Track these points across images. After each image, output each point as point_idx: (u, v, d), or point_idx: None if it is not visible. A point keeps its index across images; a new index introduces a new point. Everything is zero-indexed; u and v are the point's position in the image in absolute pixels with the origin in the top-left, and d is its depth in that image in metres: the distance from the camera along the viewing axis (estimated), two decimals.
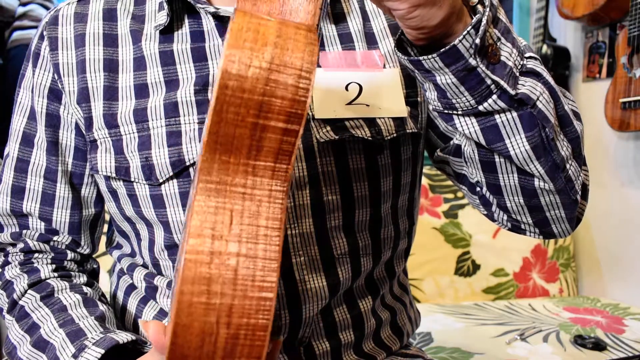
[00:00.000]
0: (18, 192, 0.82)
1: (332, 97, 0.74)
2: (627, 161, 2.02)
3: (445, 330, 1.64)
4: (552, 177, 0.66)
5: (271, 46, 0.47)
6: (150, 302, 0.82)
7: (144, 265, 0.83)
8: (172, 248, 0.77)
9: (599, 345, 1.50)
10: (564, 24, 2.29)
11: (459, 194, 2.05)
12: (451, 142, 0.78)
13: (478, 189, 0.76)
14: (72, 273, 0.83)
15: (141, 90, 0.76)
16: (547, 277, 2.07)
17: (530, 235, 0.77)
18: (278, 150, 0.49)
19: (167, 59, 0.76)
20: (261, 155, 0.49)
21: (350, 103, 0.75)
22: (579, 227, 2.13)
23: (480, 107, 0.61)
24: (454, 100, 0.61)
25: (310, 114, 0.74)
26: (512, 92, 0.60)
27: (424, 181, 2.05)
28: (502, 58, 0.59)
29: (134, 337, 0.71)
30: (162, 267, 0.80)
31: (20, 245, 0.82)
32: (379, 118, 0.75)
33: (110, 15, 0.80)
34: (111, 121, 0.76)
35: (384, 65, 0.78)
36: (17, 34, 2.43)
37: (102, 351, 0.67)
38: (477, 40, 0.56)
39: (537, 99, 0.62)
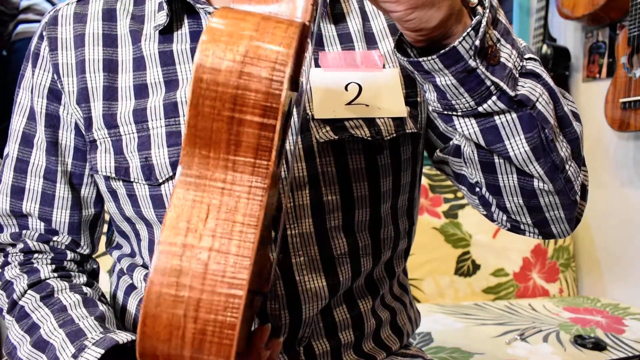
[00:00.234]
0: (18, 192, 0.82)
1: (332, 97, 0.75)
2: (627, 161, 2.02)
3: (445, 330, 1.64)
4: (551, 177, 0.66)
5: (247, 39, 0.47)
6: None
7: (144, 266, 0.83)
8: None
9: (599, 345, 1.50)
10: (564, 24, 2.29)
11: (459, 194, 2.05)
12: (451, 143, 0.78)
13: (477, 189, 0.76)
14: (72, 273, 0.83)
15: (141, 91, 0.76)
16: (547, 277, 2.07)
17: (529, 236, 0.77)
18: (257, 146, 0.48)
19: (167, 59, 0.76)
20: (240, 151, 0.49)
21: (349, 103, 0.75)
22: (578, 227, 2.12)
23: (480, 108, 0.61)
24: (453, 102, 0.61)
25: (309, 114, 0.74)
26: (512, 94, 0.60)
27: (424, 181, 2.05)
28: (502, 59, 0.59)
29: (134, 337, 0.71)
30: None
31: (20, 245, 0.82)
32: (379, 118, 0.75)
33: (109, 16, 0.80)
34: (111, 121, 0.76)
35: (384, 65, 0.78)
36: (21, 27, 2.44)
37: (102, 351, 0.67)
38: (477, 42, 0.56)
39: (537, 100, 0.62)
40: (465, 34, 0.56)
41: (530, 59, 0.64)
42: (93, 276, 0.88)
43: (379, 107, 0.75)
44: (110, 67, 0.78)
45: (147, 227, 0.78)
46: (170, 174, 0.73)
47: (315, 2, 0.52)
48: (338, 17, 0.79)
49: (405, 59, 0.60)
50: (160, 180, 0.74)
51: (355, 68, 0.76)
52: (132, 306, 0.84)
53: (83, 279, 0.83)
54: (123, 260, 0.86)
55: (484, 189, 0.73)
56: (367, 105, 0.75)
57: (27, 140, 0.81)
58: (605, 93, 1.96)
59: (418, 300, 1.94)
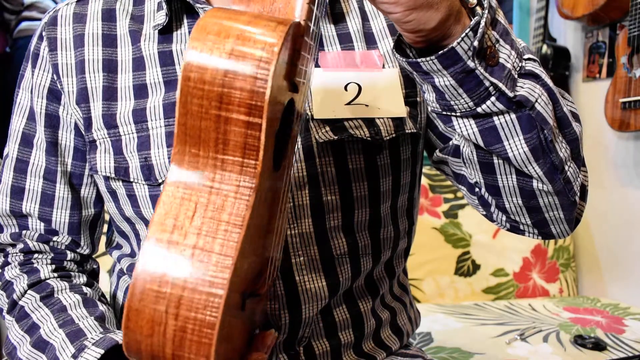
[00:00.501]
0: (17, 192, 0.82)
1: (331, 97, 0.75)
2: (627, 161, 2.02)
3: (445, 330, 1.64)
4: (550, 178, 0.66)
5: (233, 38, 0.47)
6: None
7: None
8: None
9: (599, 345, 1.50)
10: (564, 24, 2.28)
11: (459, 194, 2.05)
12: (450, 143, 0.78)
13: (477, 189, 0.76)
14: (72, 273, 0.83)
15: (140, 91, 0.76)
16: (547, 277, 2.07)
17: (529, 236, 0.77)
18: (244, 145, 0.48)
19: (166, 59, 0.76)
20: (229, 149, 0.49)
21: (349, 103, 0.75)
22: (578, 227, 2.13)
23: (479, 109, 0.61)
24: (452, 102, 0.61)
25: (309, 114, 0.74)
26: (511, 94, 0.60)
27: (424, 181, 2.05)
28: (501, 60, 0.59)
29: None
30: None
31: (20, 245, 0.82)
32: (378, 118, 0.75)
33: (109, 16, 0.80)
34: (110, 121, 0.76)
35: (383, 65, 0.78)
36: (24, 24, 2.45)
37: (102, 351, 0.67)
38: (476, 43, 0.56)
39: (536, 100, 0.62)
40: (464, 34, 0.56)
41: (529, 59, 0.64)
42: (93, 276, 0.88)
43: (379, 107, 0.75)
44: (110, 67, 0.78)
45: (147, 227, 0.78)
46: None
47: (313, 1, 0.52)
48: (338, 17, 0.79)
49: (404, 59, 0.60)
50: (160, 180, 0.74)
51: (354, 68, 0.76)
52: None
53: (83, 279, 0.83)
54: (123, 261, 0.87)
55: (483, 189, 0.73)
56: (366, 106, 0.75)
57: (26, 141, 0.81)
58: (605, 93, 1.96)
59: (418, 300, 1.94)
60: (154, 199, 0.75)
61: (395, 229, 0.83)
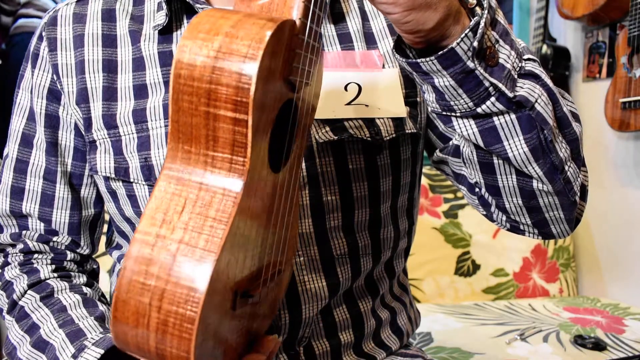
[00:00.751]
0: (17, 192, 0.82)
1: (331, 98, 0.74)
2: (627, 161, 2.02)
3: (445, 330, 1.64)
4: (550, 178, 0.66)
5: (222, 35, 0.48)
6: None
7: None
8: None
9: (599, 345, 1.50)
10: (564, 24, 2.29)
11: (459, 194, 2.05)
12: (450, 143, 0.78)
13: (477, 189, 0.76)
14: (72, 273, 0.83)
15: (140, 91, 0.76)
16: (547, 277, 2.07)
17: (529, 236, 0.77)
18: (233, 142, 0.49)
19: (166, 60, 0.76)
20: (218, 146, 0.50)
21: (349, 103, 0.75)
22: (578, 227, 2.13)
23: (479, 109, 0.61)
24: (452, 103, 0.61)
25: None
26: (510, 95, 0.60)
27: (424, 181, 2.05)
28: (500, 60, 0.59)
29: None
30: None
31: (20, 245, 0.82)
32: (378, 118, 0.75)
33: (109, 16, 0.80)
34: (110, 122, 0.76)
35: (383, 65, 0.78)
36: (21, 21, 2.45)
37: (102, 351, 0.67)
38: (475, 43, 0.56)
39: (536, 101, 0.62)
40: (464, 35, 0.56)
41: (529, 59, 0.64)
42: (93, 276, 0.88)
43: (379, 107, 0.75)
44: (110, 67, 0.78)
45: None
46: None
47: (309, 0, 0.52)
48: (338, 17, 0.79)
49: (404, 59, 0.60)
50: None
51: (354, 68, 0.76)
52: None
53: (83, 279, 0.83)
54: (123, 261, 0.86)
55: (483, 189, 0.73)
56: (366, 106, 0.75)
57: (26, 141, 0.81)
58: (605, 93, 1.96)
59: (418, 300, 1.94)
60: None
61: (395, 229, 0.83)
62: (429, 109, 0.66)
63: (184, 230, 0.49)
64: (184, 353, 0.48)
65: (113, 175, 0.76)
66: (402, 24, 0.56)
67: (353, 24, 0.79)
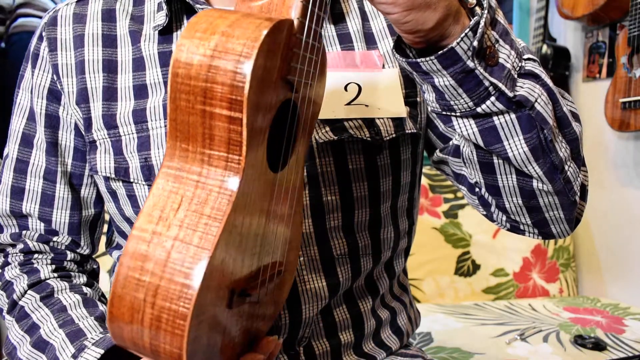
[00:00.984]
0: (17, 192, 0.82)
1: (331, 98, 0.74)
2: (627, 161, 2.02)
3: (445, 330, 1.64)
4: (550, 178, 0.66)
5: (218, 34, 0.48)
6: None
7: None
8: None
9: (599, 345, 1.50)
10: (564, 24, 2.29)
11: (459, 194, 2.05)
12: (450, 143, 0.78)
13: (477, 189, 0.76)
14: (72, 273, 0.83)
15: (140, 91, 0.76)
16: (547, 277, 2.07)
17: (529, 236, 0.77)
18: (228, 140, 0.49)
19: (167, 60, 0.76)
20: (214, 145, 0.50)
21: (349, 103, 0.75)
22: (578, 227, 2.13)
23: (479, 109, 0.61)
24: (452, 102, 0.61)
25: None
26: (510, 94, 0.60)
27: (424, 181, 2.05)
28: (500, 60, 0.59)
29: None
30: None
31: (20, 245, 0.82)
32: (378, 118, 0.75)
33: (109, 16, 0.80)
34: (110, 122, 0.76)
35: (383, 65, 0.78)
36: (20, 21, 2.46)
37: (102, 351, 0.67)
38: (475, 43, 0.56)
39: (536, 100, 0.62)
40: (464, 34, 0.56)
41: (529, 59, 0.64)
42: (93, 276, 0.88)
43: (379, 107, 0.75)
44: (110, 67, 0.78)
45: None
46: None
47: (308, 0, 0.53)
48: (337, 17, 0.79)
49: (404, 59, 0.60)
50: None
51: (354, 68, 0.76)
52: None
53: (83, 279, 0.83)
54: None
55: (483, 189, 0.73)
56: (366, 106, 0.75)
57: (26, 141, 0.81)
58: (605, 93, 1.96)
59: (418, 300, 1.94)
60: None
61: (395, 229, 0.83)
62: (429, 109, 0.66)
63: (179, 228, 0.49)
64: (176, 349, 0.48)
65: (113, 176, 0.76)
66: (401, 24, 0.56)
67: (353, 24, 0.79)
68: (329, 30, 0.78)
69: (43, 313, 0.75)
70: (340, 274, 0.79)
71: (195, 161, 0.51)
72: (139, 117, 0.75)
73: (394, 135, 0.76)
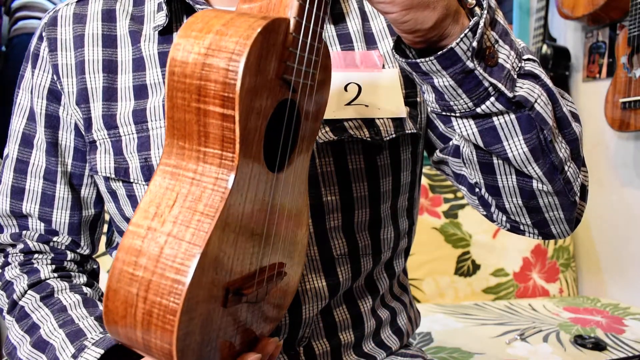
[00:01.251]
0: (18, 193, 0.82)
1: (331, 98, 0.74)
2: (627, 161, 2.02)
3: (445, 330, 1.64)
4: (550, 178, 0.66)
5: (213, 33, 0.49)
6: None
7: None
8: None
9: (599, 345, 1.50)
10: (564, 24, 2.29)
11: (459, 194, 2.05)
12: (450, 143, 0.78)
13: (477, 189, 0.76)
14: (72, 273, 0.83)
15: (140, 91, 0.76)
16: (547, 277, 2.07)
17: (529, 236, 0.77)
18: (222, 137, 0.50)
19: (166, 60, 0.76)
20: (209, 142, 0.51)
21: (349, 103, 0.75)
22: (578, 227, 2.13)
23: (478, 110, 0.61)
24: (451, 103, 0.61)
25: None
26: (510, 95, 0.60)
27: (424, 181, 2.05)
28: (500, 60, 0.59)
29: None
30: None
31: (20, 245, 0.82)
32: (378, 119, 0.75)
33: (109, 16, 0.80)
34: (110, 122, 0.76)
35: (383, 65, 0.78)
36: (21, 23, 2.47)
37: (102, 351, 0.67)
38: (475, 43, 0.56)
39: (535, 101, 0.62)
40: (463, 35, 0.56)
41: (528, 59, 0.64)
42: (93, 276, 0.88)
43: (379, 107, 0.75)
44: (110, 67, 0.78)
45: None
46: None
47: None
48: (337, 18, 0.79)
49: (404, 59, 0.60)
50: None
51: (354, 68, 0.76)
52: None
53: (83, 279, 0.83)
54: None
55: (483, 190, 0.73)
56: (366, 106, 0.75)
57: (27, 141, 0.81)
58: (605, 93, 1.96)
59: (418, 300, 1.94)
60: None
61: (395, 229, 0.83)
62: (429, 109, 0.66)
63: (173, 224, 0.50)
64: (166, 344, 0.49)
65: (113, 176, 0.76)
66: (400, 24, 0.56)
67: (353, 24, 0.79)
68: (329, 31, 0.78)
69: (43, 313, 0.75)
70: (340, 274, 0.79)
71: (192, 158, 0.52)
72: (139, 117, 0.75)
73: (394, 136, 0.76)
